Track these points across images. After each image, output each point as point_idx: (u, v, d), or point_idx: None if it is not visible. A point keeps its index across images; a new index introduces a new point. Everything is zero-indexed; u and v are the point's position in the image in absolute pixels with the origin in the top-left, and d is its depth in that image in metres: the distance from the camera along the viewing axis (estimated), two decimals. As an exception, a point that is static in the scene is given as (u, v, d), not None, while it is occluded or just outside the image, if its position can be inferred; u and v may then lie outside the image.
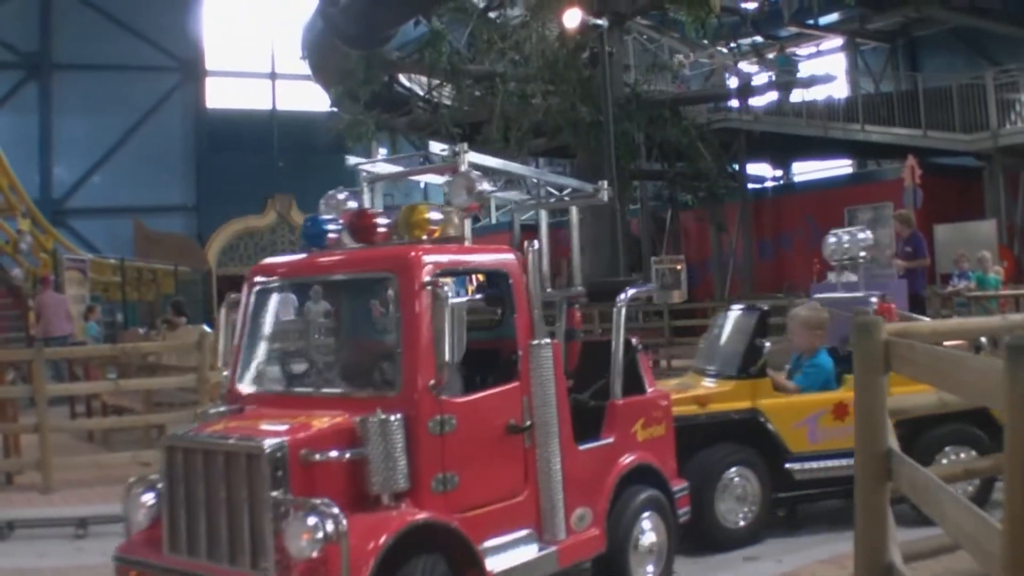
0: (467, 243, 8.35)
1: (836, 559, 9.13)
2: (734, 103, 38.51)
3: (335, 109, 37.46)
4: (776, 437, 10.56)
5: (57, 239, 35.85)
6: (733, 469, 10.24)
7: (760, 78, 40.84)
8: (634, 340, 9.34)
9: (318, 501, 6.24)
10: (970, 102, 31.38)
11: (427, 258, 7.33)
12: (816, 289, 22.90)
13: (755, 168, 42.76)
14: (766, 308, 11.56)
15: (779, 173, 46.27)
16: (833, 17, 43.71)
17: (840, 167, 44.96)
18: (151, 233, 47.45)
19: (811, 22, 43.76)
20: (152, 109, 53.71)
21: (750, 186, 39.80)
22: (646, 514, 8.67)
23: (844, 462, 10.10)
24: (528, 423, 7.67)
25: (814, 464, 10.55)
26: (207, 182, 53.14)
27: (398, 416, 6.73)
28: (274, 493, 6.37)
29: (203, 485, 6.72)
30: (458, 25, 37.15)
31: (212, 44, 56.47)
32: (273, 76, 58.34)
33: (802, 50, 50.39)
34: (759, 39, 45.65)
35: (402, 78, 39.41)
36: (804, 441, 10.60)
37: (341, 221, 8.28)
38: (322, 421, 6.92)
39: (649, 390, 9.36)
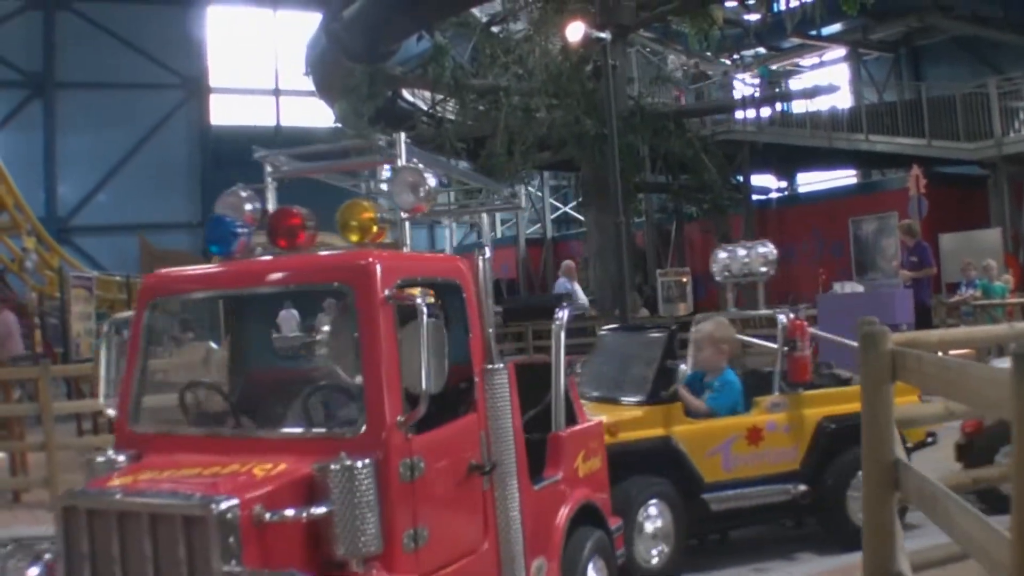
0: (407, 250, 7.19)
1: (845, 569, 9.07)
2: (738, 115, 38.49)
3: (339, 125, 37.46)
4: (691, 466, 9.75)
5: (62, 256, 35.93)
6: (649, 503, 9.40)
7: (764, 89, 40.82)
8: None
9: (286, 574, 5.24)
10: (974, 111, 31.38)
11: (388, 265, 6.16)
12: (822, 300, 23.01)
13: (759, 179, 42.77)
14: (674, 327, 10.85)
15: (783, 184, 46.29)
16: (836, 27, 43.84)
17: (844, 177, 44.98)
18: (156, 250, 47.48)
19: (814, 33, 43.89)
20: (156, 126, 53.75)
21: (754, 197, 39.80)
22: (593, 560, 7.80)
23: (759, 490, 10.03)
24: (491, 462, 6.62)
25: (729, 494, 9.87)
26: (212, 199, 52.32)
27: (367, 461, 5.52)
28: (227, 567, 5.12)
29: (120, 558, 5.35)
30: (461, 40, 37.22)
31: (216, 61, 56.52)
32: (277, 92, 58.39)
33: (805, 61, 50.52)
34: (762, 50, 45.72)
35: (405, 93, 39.47)
36: (718, 470, 9.88)
37: (247, 223, 7.14)
38: (268, 470, 5.59)
39: (581, 419, 8.41)
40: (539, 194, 55.30)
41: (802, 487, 10.07)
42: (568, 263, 27.22)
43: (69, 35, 51.42)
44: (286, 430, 6.38)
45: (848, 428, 9.76)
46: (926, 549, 6.24)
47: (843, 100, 41.16)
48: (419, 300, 5.88)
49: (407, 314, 6.01)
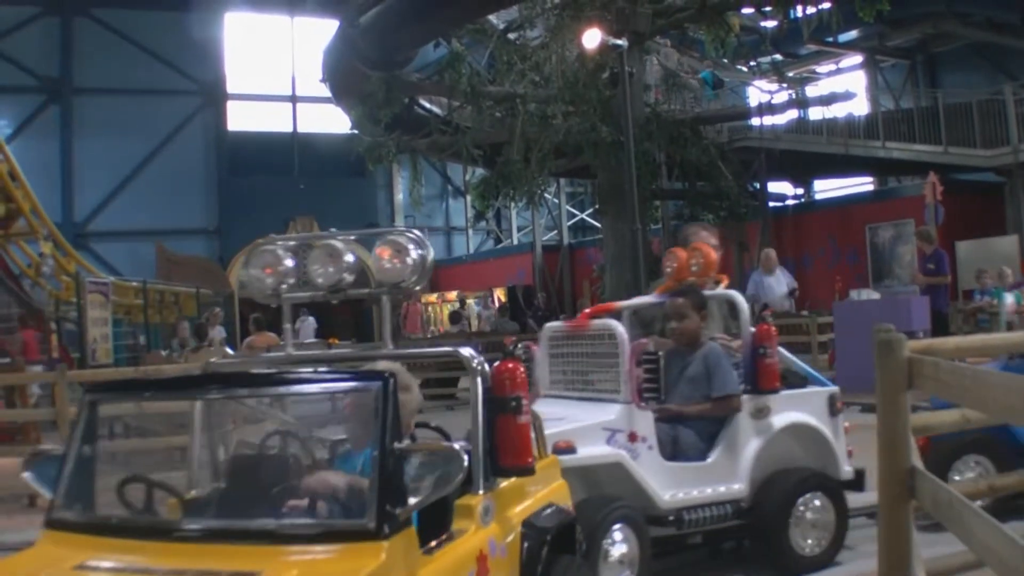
0: None
1: (860, 577, 9.01)
2: (754, 121, 38.47)
3: (355, 131, 37.53)
4: None
5: (79, 262, 35.96)
6: None
7: (780, 96, 40.79)
8: None
9: None
10: (990, 118, 31.35)
11: None
12: (838, 307, 22.93)
13: (776, 186, 42.72)
14: (388, 374, 5.13)
15: (800, 191, 46.24)
16: (852, 34, 43.86)
17: (861, 184, 44.95)
18: (173, 256, 47.57)
19: (830, 39, 43.83)
20: (173, 132, 53.91)
21: (771, 204, 39.75)
22: None
23: None
24: None
25: None
26: (228, 205, 53.29)
27: None
28: None
29: None
30: (478, 47, 37.23)
31: (233, 67, 56.65)
32: (294, 99, 58.51)
33: (822, 67, 50.52)
34: (779, 57, 45.69)
35: (422, 100, 39.49)
36: None
37: None
38: None
39: None
40: (556, 200, 55.34)
41: None
42: (768, 252, 25.72)
43: (87, 41, 51.61)
44: None
45: (555, 532, 6.27)
46: (942, 557, 6.23)
47: (860, 107, 41.12)
48: None
49: None
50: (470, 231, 63.93)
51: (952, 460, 10.02)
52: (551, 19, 33.51)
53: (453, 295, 49.62)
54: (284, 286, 6.41)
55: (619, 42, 24.94)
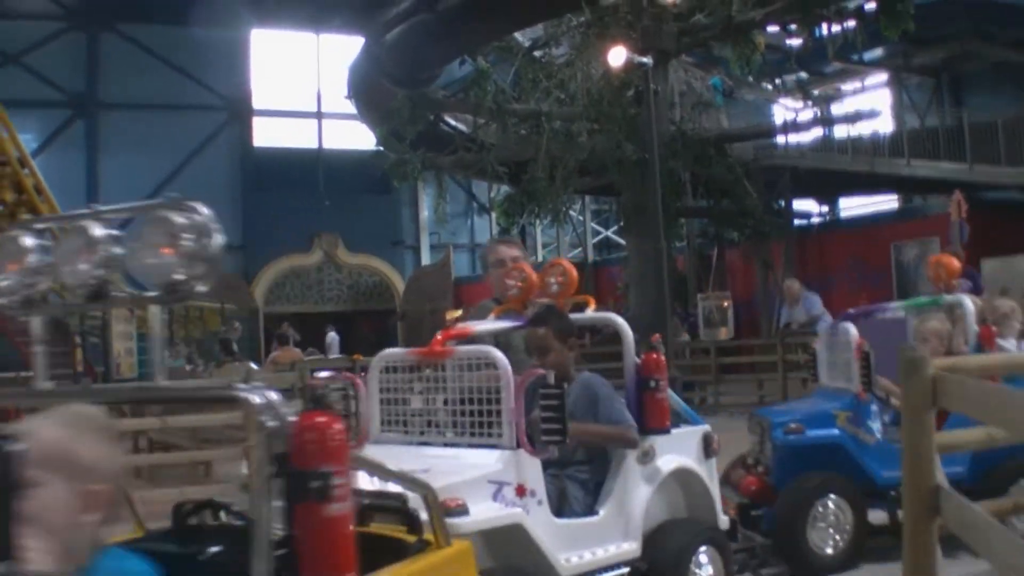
0: None
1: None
2: (779, 139, 38.40)
3: (381, 148, 37.59)
4: None
5: (105, 277, 36.14)
6: None
7: (805, 114, 40.73)
8: None
9: None
10: (1016, 136, 31.29)
11: None
12: (863, 325, 22.78)
13: (801, 204, 42.63)
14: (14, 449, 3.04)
15: (825, 209, 46.13)
16: (877, 52, 43.77)
17: (886, 202, 44.82)
18: (197, 271, 47.68)
19: (855, 58, 43.80)
20: (199, 148, 53.96)
21: (796, 223, 39.65)
22: None
23: None
24: None
25: None
26: (253, 221, 53.26)
27: None
28: None
29: None
30: (503, 64, 37.30)
31: (259, 83, 56.79)
32: (320, 115, 58.59)
33: (847, 85, 50.43)
34: (803, 75, 45.64)
35: (447, 117, 39.56)
36: None
37: None
38: None
39: None
40: (580, 218, 55.32)
41: None
42: (788, 284, 25.86)
43: (113, 56, 51.73)
44: None
45: None
46: (967, 576, 6.22)
47: (885, 125, 41.05)
48: None
49: None
50: (494, 248, 63.78)
51: (814, 500, 9.81)
52: (576, 37, 33.56)
53: (477, 312, 49.52)
54: (30, 288, 4.05)
55: (644, 60, 24.97)
